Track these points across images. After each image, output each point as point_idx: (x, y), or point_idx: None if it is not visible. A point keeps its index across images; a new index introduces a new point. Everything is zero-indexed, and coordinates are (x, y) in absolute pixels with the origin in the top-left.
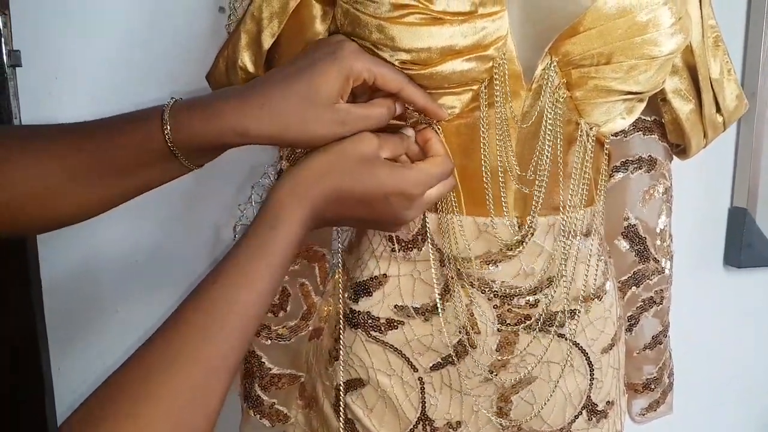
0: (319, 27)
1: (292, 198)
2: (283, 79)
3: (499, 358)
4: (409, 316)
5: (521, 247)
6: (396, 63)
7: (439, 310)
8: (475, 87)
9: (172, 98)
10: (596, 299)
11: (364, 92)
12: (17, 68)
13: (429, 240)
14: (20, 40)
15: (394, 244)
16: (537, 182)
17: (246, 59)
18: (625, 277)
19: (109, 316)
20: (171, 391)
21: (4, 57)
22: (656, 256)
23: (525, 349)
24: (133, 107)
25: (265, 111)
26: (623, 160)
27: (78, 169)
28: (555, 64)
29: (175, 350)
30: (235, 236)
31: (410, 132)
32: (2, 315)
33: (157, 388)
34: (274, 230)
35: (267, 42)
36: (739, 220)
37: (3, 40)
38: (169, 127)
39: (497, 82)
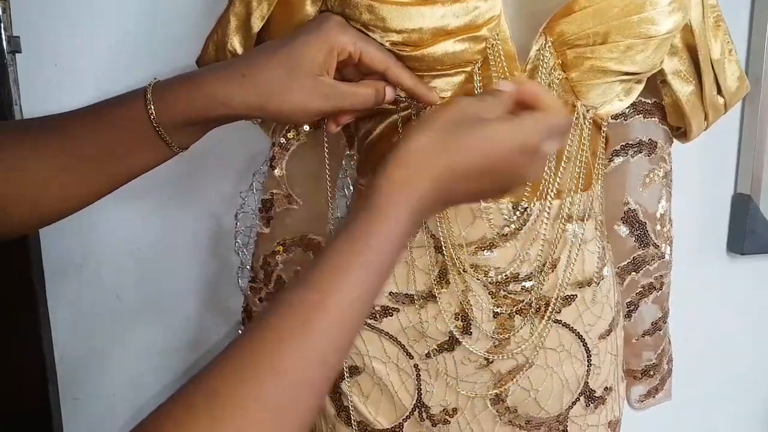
0: (309, 9)
1: (398, 190)
2: (267, 49)
3: (495, 344)
4: (404, 303)
5: (516, 233)
6: (387, 44)
7: (436, 297)
8: (468, 69)
9: (154, 78)
10: (594, 284)
11: (353, 75)
12: (17, 54)
13: (424, 226)
14: (20, 27)
15: None
16: None
17: (235, 42)
18: (625, 263)
19: (111, 303)
20: (257, 401)
21: (4, 43)
22: (656, 241)
23: (521, 335)
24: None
25: (248, 80)
26: (623, 143)
27: (67, 158)
28: (550, 44)
29: (257, 360)
30: (236, 224)
31: (508, 86)
32: (5, 304)
33: (244, 397)
34: (373, 231)
35: (256, 25)
36: (742, 207)
37: (2, 26)
38: (152, 106)
39: (491, 63)
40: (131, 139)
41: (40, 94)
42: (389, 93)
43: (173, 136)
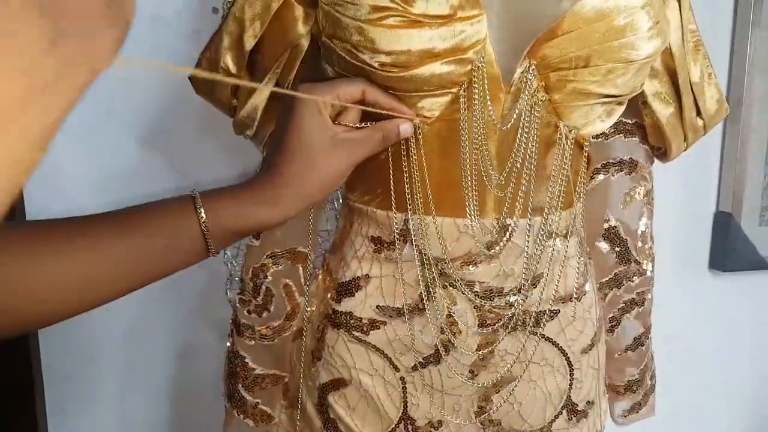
0: (302, 29)
1: None
2: (278, 155)
3: (480, 358)
4: (391, 317)
5: (500, 249)
6: (376, 65)
7: (422, 311)
8: (454, 90)
9: (193, 189)
10: (576, 300)
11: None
12: None
13: (411, 241)
14: None
15: (376, 245)
16: (513, 185)
17: (228, 60)
18: (606, 279)
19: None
20: None
21: None
22: (637, 257)
23: (505, 349)
24: (125, 100)
25: (283, 199)
26: (604, 162)
27: (94, 265)
28: (533, 67)
29: None
30: None
31: None
32: None
33: None
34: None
35: (249, 43)
36: (724, 225)
37: None
38: (203, 213)
39: (476, 85)
40: (174, 246)
41: None
42: (406, 129)
43: (215, 242)
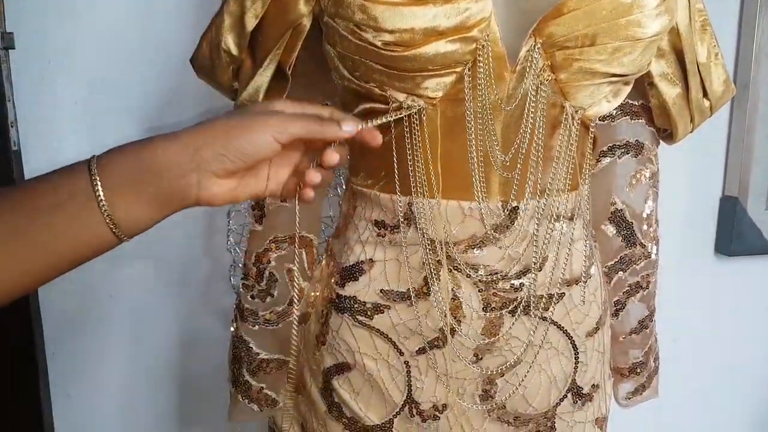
0: (303, 8)
1: None
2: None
3: (484, 341)
4: (395, 301)
5: (506, 232)
6: (379, 44)
7: (426, 295)
8: (458, 69)
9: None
10: (581, 283)
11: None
12: (10, 50)
13: (415, 224)
14: (13, 23)
15: (380, 229)
16: (519, 166)
17: (229, 41)
18: (612, 262)
19: (103, 301)
20: None
21: None
22: (643, 241)
23: (509, 332)
24: (126, 90)
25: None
26: (610, 144)
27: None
28: (539, 46)
29: None
30: (229, 222)
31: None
32: None
33: None
34: None
35: (250, 24)
36: (730, 209)
37: None
38: (98, 177)
39: (481, 64)
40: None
41: (33, 91)
42: (348, 128)
43: (118, 207)
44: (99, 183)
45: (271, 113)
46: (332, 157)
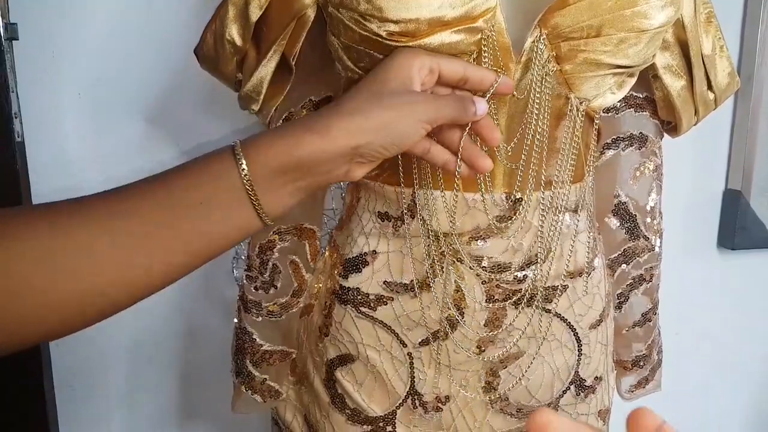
0: None
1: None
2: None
3: (487, 333)
4: (398, 292)
5: (509, 223)
6: (384, 34)
7: (429, 286)
8: (464, 60)
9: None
10: (584, 275)
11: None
12: (14, 41)
13: (418, 216)
14: (17, 14)
15: (383, 221)
16: (524, 157)
17: (234, 32)
18: (615, 255)
19: None
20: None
21: (1, 30)
22: (646, 233)
23: (512, 324)
24: (130, 82)
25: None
26: (614, 137)
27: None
28: (544, 36)
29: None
30: None
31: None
32: None
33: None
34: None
35: (254, 14)
36: (733, 203)
37: (0, 13)
38: (243, 161)
39: (486, 54)
40: (213, 203)
41: (37, 82)
42: (482, 106)
43: (259, 186)
44: (249, 177)
45: (416, 99)
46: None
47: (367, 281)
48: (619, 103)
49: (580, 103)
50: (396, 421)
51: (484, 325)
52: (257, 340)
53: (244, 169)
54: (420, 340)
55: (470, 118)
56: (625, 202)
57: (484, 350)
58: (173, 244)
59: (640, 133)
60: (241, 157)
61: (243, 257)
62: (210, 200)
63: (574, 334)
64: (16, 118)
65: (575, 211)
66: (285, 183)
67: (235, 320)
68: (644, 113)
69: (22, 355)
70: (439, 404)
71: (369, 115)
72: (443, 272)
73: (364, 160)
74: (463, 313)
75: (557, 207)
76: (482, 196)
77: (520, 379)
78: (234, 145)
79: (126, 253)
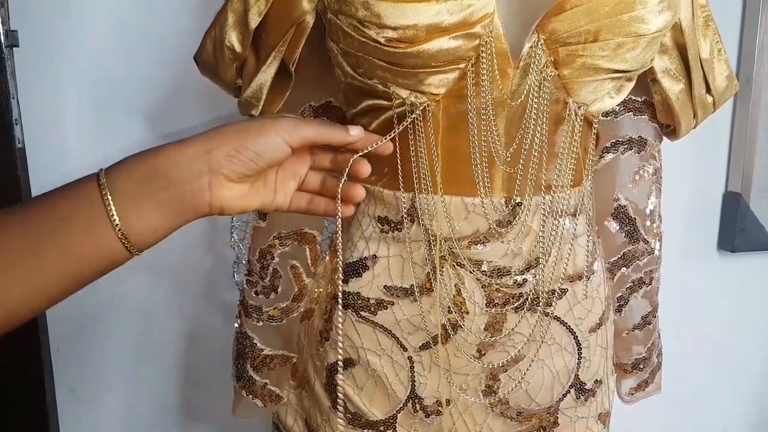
0: (306, 5)
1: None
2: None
3: (487, 337)
4: (398, 297)
5: (509, 227)
6: (382, 40)
7: (429, 290)
8: (462, 65)
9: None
10: (584, 279)
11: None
12: (14, 48)
13: (418, 220)
14: (18, 21)
15: (383, 225)
16: (522, 162)
17: (233, 39)
18: (615, 258)
19: (107, 296)
20: None
21: (2, 37)
22: (646, 237)
23: (513, 328)
24: (130, 88)
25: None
26: (613, 140)
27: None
28: (542, 42)
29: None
30: (232, 219)
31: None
32: None
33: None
34: None
35: (254, 21)
36: (733, 205)
37: (0, 20)
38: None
39: (484, 60)
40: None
41: (38, 88)
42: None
43: (126, 210)
44: (108, 191)
45: (281, 117)
46: (364, 167)
47: (367, 286)
48: (617, 107)
49: (579, 107)
50: (396, 425)
51: (485, 329)
52: (258, 344)
53: (103, 185)
54: (420, 344)
55: (339, 140)
56: (624, 206)
57: (484, 354)
58: (39, 266)
59: (639, 136)
60: (102, 170)
61: (244, 262)
62: (71, 216)
63: (573, 338)
64: (16, 124)
65: (574, 215)
66: (146, 195)
67: (236, 325)
68: (643, 117)
69: (23, 356)
70: (440, 408)
71: (228, 126)
72: (443, 276)
73: (225, 170)
74: (464, 317)
75: (557, 211)
76: (482, 200)
77: (520, 382)
78: (101, 169)
79: None
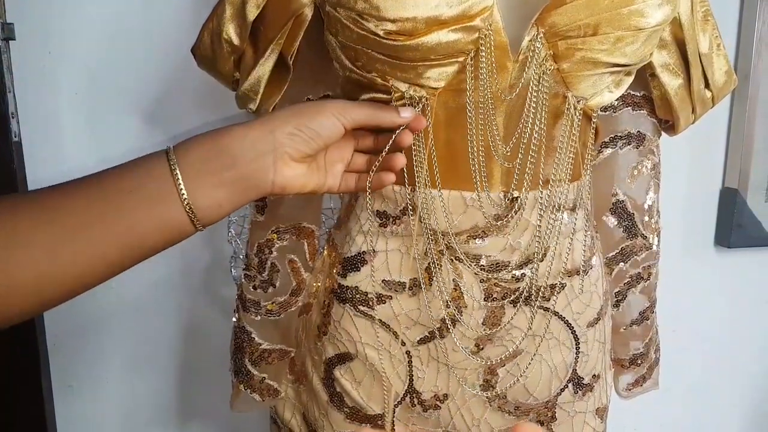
0: None
1: None
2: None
3: (486, 331)
4: (396, 291)
5: (507, 222)
6: (381, 33)
7: (428, 285)
8: (461, 59)
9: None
10: (582, 273)
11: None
12: (11, 41)
13: (417, 214)
14: (14, 14)
15: (382, 220)
16: (521, 156)
17: (231, 31)
18: (613, 253)
19: (104, 292)
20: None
21: None
22: (644, 232)
23: (511, 322)
24: (127, 81)
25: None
26: (612, 135)
27: (66, 234)
28: (541, 35)
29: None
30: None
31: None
32: None
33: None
34: None
35: (252, 13)
36: (730, 201)
37: None
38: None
39: (483, 53)
40: (142, 192)
41: (34, 82)
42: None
43: (192, 183)
44: (178, 168)
45: (333, 100)
46: (407, 137)
47: (365, 280)
48: (616, 102)
49: (578, 101)
50: (394, 419)
51: (483, 323)
52: (256, 339)
53: (173, 161)
54: (418, 338)
55: (389, 121)
56: (622, 201)
57: (482, 348)
58: (104, 237)
59: (638, 131)
60: (170, 147)
61: (241, 256)
62: (139, 189)
63: (571, 333)
64: (13, 118)
65: (573, 209)
66: (213, 173)
67: (234, 319)
68: (642, 112)
69: (21, 354)
70: (438, 402)
71: (286, 109)
72: (442, 271)
73: (288, 149)
74: (462, 311)
75: (555, 205)
76: (479, 194)
77: (518, 377)
78: (169, 146)
79: (57, 247)
